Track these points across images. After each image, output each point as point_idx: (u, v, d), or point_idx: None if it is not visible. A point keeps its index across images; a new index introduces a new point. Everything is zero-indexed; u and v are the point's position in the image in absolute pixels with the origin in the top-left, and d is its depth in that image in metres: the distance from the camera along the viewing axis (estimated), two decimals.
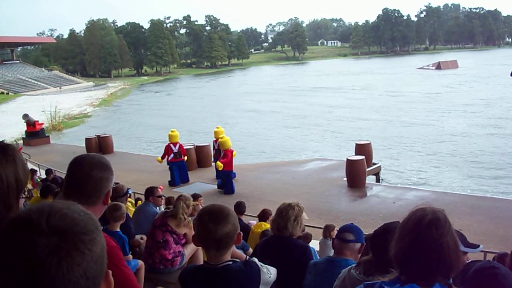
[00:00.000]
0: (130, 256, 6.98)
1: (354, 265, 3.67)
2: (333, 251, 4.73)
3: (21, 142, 34.48)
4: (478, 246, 3.14)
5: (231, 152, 18.60)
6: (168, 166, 20.13)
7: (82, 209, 1.26)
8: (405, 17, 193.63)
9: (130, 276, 2.89)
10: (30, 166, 22.20)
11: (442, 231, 2.13)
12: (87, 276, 1.15)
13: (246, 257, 3.15)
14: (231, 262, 3.01)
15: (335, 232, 7.79)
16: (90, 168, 2.60)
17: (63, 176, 3.07)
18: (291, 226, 4.91)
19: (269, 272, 3.16)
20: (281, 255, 4.60)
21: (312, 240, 9.54)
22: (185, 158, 20.53)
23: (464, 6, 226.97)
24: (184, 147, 21.41)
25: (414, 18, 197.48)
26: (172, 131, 20.63)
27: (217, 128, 20.76)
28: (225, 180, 18.42)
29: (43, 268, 1.10)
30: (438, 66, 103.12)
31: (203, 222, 3.02)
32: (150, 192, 9.24)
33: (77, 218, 1.21)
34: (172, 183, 19.77)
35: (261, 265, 3.14)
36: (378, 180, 21.15)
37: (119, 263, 2.78)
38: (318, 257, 7.43)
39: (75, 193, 2.56)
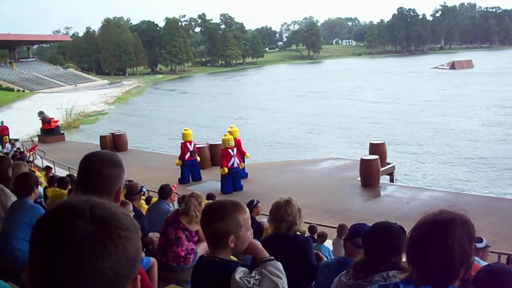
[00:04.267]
0: (143, 253, 6.98)
1: (344, 272, 3.65)
2: (344, 251, 4.72)
3: (36, 139, 34.74)
4: (482, 240, 3.10)
5: (224, 150, 18.78)
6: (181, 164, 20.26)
7: (126, 212, 1.30)
8: (420, 16, 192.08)
9: (141, 274, 2.89)
10: (45, 163, 22.37)
11: (451, 238, 2.09)
12: (115, 270, 1.17)
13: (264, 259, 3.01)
14: (217, 259, 2.95)
15: None
16: (101, 165, 2.61)
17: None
18: (299, 221, 4.89)
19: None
20: (289, 253, 4.54)
21: (326, 240, 9.54)
22: (198, 158, 20.66)
23: (480, 5, 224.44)
24: (198, 146, 21.55)
25: (429, 18, 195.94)
26: (185, 130, 20.73)
27: (231, 128, 20.78)
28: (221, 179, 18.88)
29: (76, 249, 1.14)
30: (452, 66, 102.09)
31: (201, 216, 3.07)
32: (164, 191, 9.25)
33: (119, 215, 1.25)
34: (182, 181, 19.86)
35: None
36: (392, 180, 21.07)
37: None
38: (332, 256, 7.43)
39: (86, 189, 2.57)
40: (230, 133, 19.76)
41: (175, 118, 52.94)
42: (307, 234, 9.65)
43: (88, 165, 2.63)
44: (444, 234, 2.10)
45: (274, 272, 2.88)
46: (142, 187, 8.98)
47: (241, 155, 19.98)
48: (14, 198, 6.44)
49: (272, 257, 3.01)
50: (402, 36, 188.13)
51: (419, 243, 2.17)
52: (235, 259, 3.23)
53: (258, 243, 3.10)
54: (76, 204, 1.22)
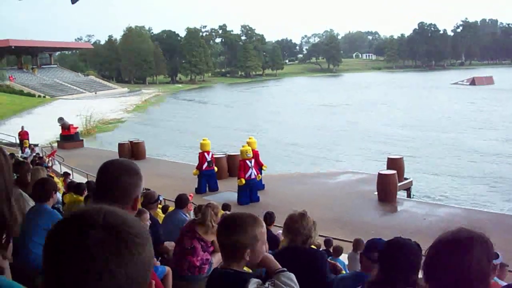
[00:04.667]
0: (158, 262, 6.99)
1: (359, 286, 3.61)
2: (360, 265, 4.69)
3: (55, 145, 35.00)
4: (498, 256, 3.06)
5: (242, 161, 18.79)
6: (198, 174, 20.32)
7: (137, 219, 1.31)
8: (441, 32, 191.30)
9: (156, 282, 2.89)
10: (63, 169, 22.53)
11: (469, 256, 2.07)
12: (129, 278, 1.17)
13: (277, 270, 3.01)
14: (232, 271, 2.94)
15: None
16: (119, 173, 2.60)
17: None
18: (314, 234, 4.86)
19: None
20: (304, 267, 4.52)
21: (342, 254, 9.50)
22: (216, 169, 20.70)
23: (501, 21, 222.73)
24: (215, 156, 21.60)
25: (450, 33, 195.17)
26: (204, 140, 20.81)
27: (250, 139, 20.80)
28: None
29: (90, 259, 1.14)
30: (473, 82, 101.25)
31: (219, 227, 3.08)
32: (181, 200, 9.25)
33: (132, 222, 1.25)
34: (199, 191, 19.89)
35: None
36: (409, 195, 20.97)
37: None
38: (348, 271, 7.39)
39: (104, 197, 2.57)
40: (249, 144, 19.79)
41: (193, 128, 53.06)
42: (322, 247, 9.62)
43: (107, 173, 2.64)
44: (463, 253, 2.08)
45: (287, 283, 2.88)
46: (159, 195, 9.00)
47: (259, 166, 20.00)
48: (32, 203, 6.48)
49: (285, 269, 3.00)
50: (422, 51, 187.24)
51: (437, 261, 2.15)
52: (249, 270, 3.21)
53: (270, 256, 3.10)
54: (89, 213, 1.22)
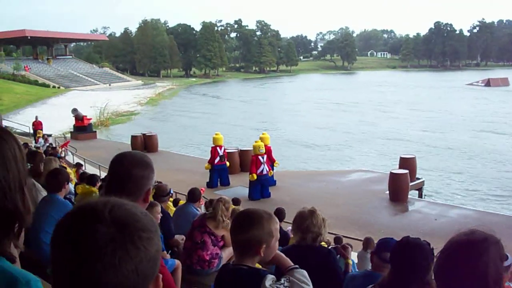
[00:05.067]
0: (168, 255, 7.01)
1: (371, 286, 3.58)
2: (371, 264, 4.67)
3: (69, 135, 35.16)
4: (508, 257, 3.02)
5: (254, 157, 18.76)
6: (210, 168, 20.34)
7: (145, 211, 1.29)
8: (457, 32, 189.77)
9: (166, 275, 2.89)
10: (76, 160, 22.63)
11: (486, 258, 2.06)
12: (138, 272, 1.18)
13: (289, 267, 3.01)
14: (246, 267, 2.95)
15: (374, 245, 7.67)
16: (132, 166, 2.60)
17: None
18: (324, 231, 4.84)
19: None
20: (313, 264, 4.50)
21: (352, 252, 9.47)
22: (228, 163, 20.71)
23: None
24: (228, 151, 21.60)
25: (466, 33, 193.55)
26: (216, 134, 20.82)
27: (263, 134, 20.79)
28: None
29: (98, 254, 1.14)
30: (488, 83, 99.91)
31: (232, 223, 3.09)
32: (193, 194, 9.26)
33: (139, 215, 1.24)
34: (210, 185, 19.91)
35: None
36: (420, 195, 20.87)
37: None
38: (357, 269, 7.37)
39: (116, 190, 2.56)
40: (262, 139, 19.77)
41: (206, 123, 53.11)
42: (332, 245, 9.61)
43: (119, 165, 2.64)
44: (478, 254, 2.07)
45: (302, 279, 2.91)
46: (170, 189, 9.01)
47: (271, 162, 19.98)
48: (44, 193, 6.52)
49: (297, 266, 3.01)
50: (438, 51, 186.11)
51: (451, 263, 2.13)
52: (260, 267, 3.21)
53: (281, 253, 3.11)
54: (96, 207, 1.22)
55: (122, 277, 1.15)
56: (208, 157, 20.96)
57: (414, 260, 3.22)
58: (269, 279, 2.86)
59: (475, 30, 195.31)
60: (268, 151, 19.69)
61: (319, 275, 4.25)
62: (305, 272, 2.96)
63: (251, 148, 19.73)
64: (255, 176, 18.28)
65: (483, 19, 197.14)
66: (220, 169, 20.44)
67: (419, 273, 3.24)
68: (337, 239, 10.14)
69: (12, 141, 1.72)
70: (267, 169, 18.77)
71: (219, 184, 20.43)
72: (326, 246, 5.75)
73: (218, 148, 20.40)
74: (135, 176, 2.59)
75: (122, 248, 1.16)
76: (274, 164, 20.45)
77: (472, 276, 2.05)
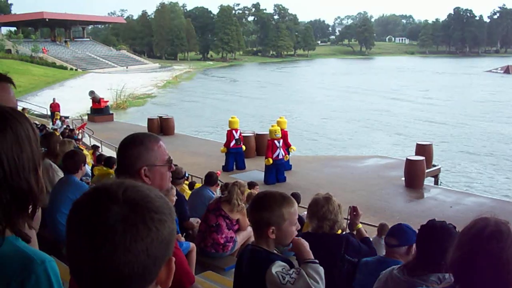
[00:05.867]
0: (182, 238, 7.04)
1: (397, 266, 3.56)
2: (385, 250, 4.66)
3: (85, 118, 35.34)
4: None
5: (271, 141, 18.71)
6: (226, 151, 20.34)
7: (160, 194, 1.30)
8: (477, 18, 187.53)
9: (180, 258, 2.90)
10: (92, 142, 22.76)
11: (503, 245, 2.03)
12: (148, 253, 1.19)
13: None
14: (261, 249, 2.98)
15: None
16: (125, 146, 2.64)
17: None
18: (341, 218, 4.81)
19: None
20: (330, 252, 4.48)
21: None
22: (244, 147, 20.69)
23: None
24: (244, 135, 21.58)
25: (486, 19, 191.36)
26: (232, 118, 20.78)
27: (280, 118, 20.74)
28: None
29: (109, 233, 1.16)
30: (507, 70, 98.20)
31: (250, 203, 3.13)
32: (211, 177, 9.28)
33: (153, 197, 1.26)
34: (226, 169, 19.90)
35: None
36: (436, 182, 20.76)
37: None
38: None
39: (118, 170, 2.70)
40: (278, 123, 19.72)
41: (222, 106, 53.07)
42: (347, 230, 9.59)
43: (119, 147, 2.68)
44: (499, 244, 2.03)
45: (312, 275, 2.85)
46: (185, 172, 9.04)
47: (287, 146, 19.94)
48: (61, 173, 6.57)
49: (316, 261, 2.97)
50: (457, 37, 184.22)
51: (469, 253, 2.09)
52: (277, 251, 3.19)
53: (306, 244, 3.05)
54: (110, 187, 1.24)
55: (132, 256, 1.17)
56: (224, 140, 20.96)
57: (441, 242, 3.20)
58: (278, 265, 2.86)
59: (495, 16, 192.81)
60: (284, 135, 19.63)
61: (336, 262, 4.27)
62: (320, 269, 2.92)
63: (267, 132, 19.69)
64: (270, 161, 18.25)
65: (504, 5, 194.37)
66: (236, 152, 20.40)
67: (445, 256, 3.21)
68: (351, 225, 10.11)
69: (25, 122, 1.72)
70: (283, 153, 18.72)
71: (234, 167, 20.41)
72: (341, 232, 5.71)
73: (233, 132, 20.36)
74: (126, 155, 2.61)
75: (133, 228, 1.17)
76: (290, 149, 20.41)
77: (491, 267, 2.02)
